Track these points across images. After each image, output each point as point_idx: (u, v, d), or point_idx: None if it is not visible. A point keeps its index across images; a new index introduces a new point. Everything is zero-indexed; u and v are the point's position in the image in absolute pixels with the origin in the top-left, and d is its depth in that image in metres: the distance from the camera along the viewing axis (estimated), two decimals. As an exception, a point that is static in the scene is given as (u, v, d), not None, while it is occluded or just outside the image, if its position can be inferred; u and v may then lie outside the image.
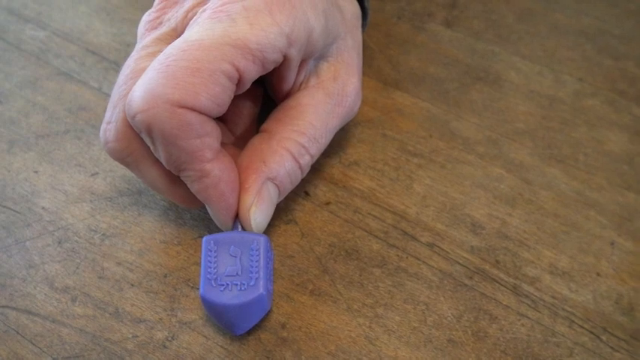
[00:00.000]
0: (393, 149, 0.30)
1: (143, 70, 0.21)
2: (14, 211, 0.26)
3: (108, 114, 0.22)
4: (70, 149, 0.28)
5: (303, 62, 0.24)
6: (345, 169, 0.29)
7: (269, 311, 0.23)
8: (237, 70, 0.21)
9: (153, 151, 0.21)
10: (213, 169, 0.21)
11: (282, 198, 0.25)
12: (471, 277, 0.25)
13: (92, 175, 0.27)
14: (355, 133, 0.30)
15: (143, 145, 0.22)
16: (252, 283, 0.21)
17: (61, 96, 0.31)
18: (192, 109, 0.20)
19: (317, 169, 0.28)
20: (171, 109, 0.20)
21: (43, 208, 0.26)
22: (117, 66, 0.32)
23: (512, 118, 0.32)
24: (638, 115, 0.32)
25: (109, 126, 0.22)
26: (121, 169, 0.28)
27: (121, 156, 0.23)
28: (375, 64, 0.34)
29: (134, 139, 0.22)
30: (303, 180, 0.26)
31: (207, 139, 0.21)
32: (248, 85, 0.22)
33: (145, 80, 0.20)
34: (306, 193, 0.27)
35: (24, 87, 0.31)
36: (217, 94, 0.20)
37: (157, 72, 0.20)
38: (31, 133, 0.29)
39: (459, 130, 0.31)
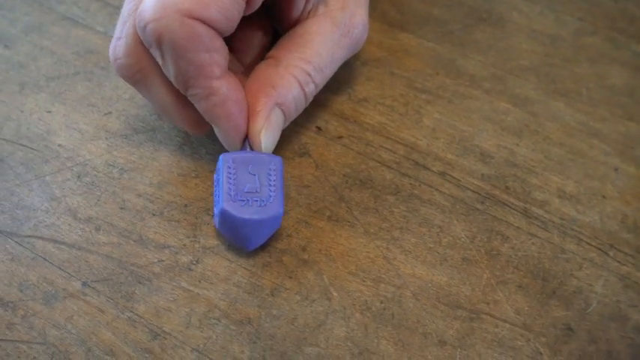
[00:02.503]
0: (401, 86, 0.30)
1: None
2: (31, 148, 0.26)
3: (118, 30, 0.23)
4: (81, 90, 0.29)
5: None
6: (355, 105, 0.29)
7: (289, 235, 0.24)
8: None
9: (162, 66, 0.22)
10: (221, 86, 0.22)
11: (286, 125, 0.25)
12: (482, 202, 0.26)
13: (105, 114, 0.28)
14: (363, 71, 0.31)
15: (153, 61, 0.22)
16: (270, 200, 0.22)
17: (68, 40, 0.31)
18: (202, 21, 0.20)
19: (327, 105, 0.29)
20: (182, 19, 0.20)
21: (59, 145, 0.26)
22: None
23: (516, 55, 0.32)
24: (638, 52, 0.33)
25: (119, 42, 0.22)
26: (134, 108, 0.28)
27: (130, 72, 0.23)
28: (379, 6, 0.34)
29: (144, 54, 0.22)
30: (314, 115, 0.27)
31: (216, 55, 0.21)
32: (258, 4, 0.22)
33: None
34: (319, 128, 0.28)
35: (29, 32, 0.31)
36: (227, 7, 0.21)
37: None
38: (40, 76, 0.29)
39: (464, 68, 0.31)
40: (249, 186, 0.22)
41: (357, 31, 0.27)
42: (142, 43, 0.22)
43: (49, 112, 0.28)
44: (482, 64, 0.32)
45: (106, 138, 0.27)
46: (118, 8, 0.33)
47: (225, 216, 0.22)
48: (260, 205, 0.22)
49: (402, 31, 0.33)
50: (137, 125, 0.27)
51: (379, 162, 0.27)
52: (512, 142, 0.28)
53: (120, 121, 0.27)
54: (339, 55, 0.26)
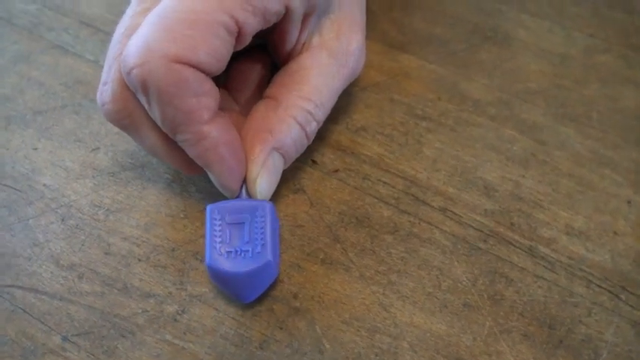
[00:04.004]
0: (401, 113, 0.29)
1: (139, 26, 0.21)
2: (15, 189, 0.25)
3: (104, 75, 0.22)
4: (68, 124, 0.28)
5: (305, 18, 0.23)
6: (352, 135, 0.28)
7: (280, 281, 0.23)
8: (237, 22, 0.20)
9: (148, 111, 0.21)
10: (210, 131, 0.20)
11: (287, 166, 0.24)
12: (485, 241, 0.24)
13: (93, 150, 0.27)
14: (362, 97, 0.29)
15: (141, 106, 0.21)
16: (258, 249, 0.21)
17: (57, 70, 0.30)
18: (190, 65, 0.19)
19: (324, 136, 0.27)
20: (168, 64, 0.19)
21: (44, 185, 0.25)
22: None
23: (523, 77, 0.31)
24: (652, 70, 0.31)
25: (105, 87, 0.21)
26: (123, 143, 0.27)
27: (118, 118, 0.22)
28: (379, 27, 0.33)
29: (131, 100, 0.21)
30: (310, 148, 0.26)
31: (205, 99, 0.20)
32: (248, 40, 0.21)
33: (140, 34, 0.19)
34: (314, 162, 0.27)
35: (17, 62, 0.30)
36: (216, 49, 0.19)
37: (152, 25, 0.19)
38: (27, 110, 0.28)
39: (468, 92, 0.30)
40: (235, 237, 0.21)
41: (354, 59, 0.25)
42: (128, 88, 0.21)
43: (35, 149, 0.27)
44: (487, 87, 0.30)
45: (93, 176, 0.26)
46: (110, 34, 0.32)
47: (212, 271, 0.21)
48: (247, 257, 0.21)
49: (403, 52, 0.32)
50: (125, 162, 0.26)
51: (377, 198, 0.26)
52: (518, 174, 0.27)
53: (107, 157, 0.26)
54: (339, 87, 0.25)
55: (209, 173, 0.22)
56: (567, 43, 0.32)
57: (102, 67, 0.30)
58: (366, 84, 0.30)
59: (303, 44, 0.24)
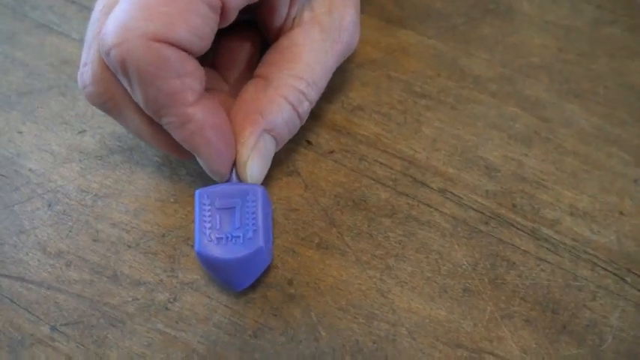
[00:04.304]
0: (399, 91, 0.28)
1: (117, 3, 0.19)
2: (0, 174, 0.24)
3: (84, 56, 0.21)
4: (54, 106, 0.27)
5: None
6: (348, 114, 0.27)
7: (274, 267, 0.22)
8: None
9: (131, 93, 0.20)
10: (195, 113, 0.19)
11: (279, 148, 0.23)
12: (486, 223, 0.24)
13: (79, 132, 0.26)
14: (358, 75, 0.28)
15: (123, 88, 0.20)
16: (249, 235, 0.20)
17: (42, 50, 0.29)
18: (170, 43, 0.18)
19: (319, 115, 0.26)
20: (147, 42, 0.18)
21: (30, 170, 0.25)
22: (99, 15, 0.30)
23: (526, 52, 0.29)
24: (661, 43, 0.30)
25: (85, 68, 0.20)
26: (110, 126, 0.26)
27: (100, 100, 0.21)
28: (376, 1, 0.31)
29: (112, 81, 0.20)
30: (304, 128, 0.25)
31: (188, 79, 0.19)
32: (233, 16, 0.20)
33: (117, 13, 0.18)
34: (308, 142, 0.26)
35: (1, 42, 0.29)
36: (198, 26, 0.18)
37: (129, 3, 0.18)
38: (12, 91, 0.27)
39: (469, 68, 0.29)
40: (226, 222, 0.20)
41: (348, 34, 0.24)
42: (109, 69, 0.20)
43: (20, 132, 0.26)
44: (489, 62, 0.29)
45: (80, 160, 0.25)
46: (96, 12, 0.31)
47: (202, 258, 0.20)
48: (238, 243, 0.20)
49: (401, 27, 0.30)
50: (113, 145, 0.25)
51: (374, 179, 0.25)
52: (521, 153, 0.26)
53: (95, 140, 0.26)
54: (332, 64, 0.24)
55: (197, 157, 0.21)
56: (573, 15, 0.31)
57: (88, 46, 0.29)
58: (362, 60, 0.29)
59: (294, 19, 0.23)
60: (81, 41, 0.29)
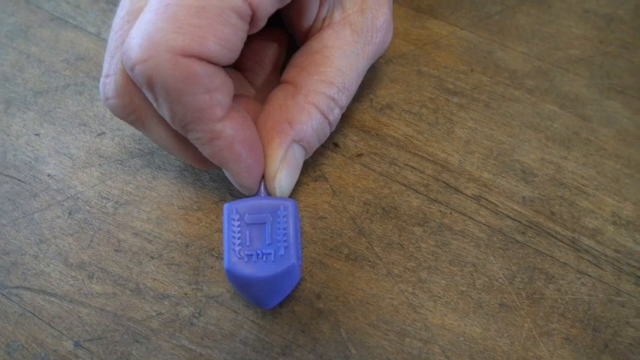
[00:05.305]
0: (430, 88, 0.26)
1: (141, 10, 0.18)
2: (18, 180, 0.24)
3: (105, 66, 0.19)
4: (72, 106, 0.26)
5: None
6: (377, 114, 0.25)
7: (302, 280, 0.21)
8: (250, 4, 0.17)
9: (156, 108, 0.19)
10: (225, 128, 0.18)
11: (308, 156, 0.22)
12: (523, 233, 0.22)
13: (98, 135, 0.25)
14: (387, 71, 0.27)
15: (148, 101, 0.19)
16: (281, 252, 0.19)
17: (57, 45, 0.28)
18: (200, 58, 0.17)
19: (346, 115, 0.25)
20: (175, 58, 0.17)
21: (48, 175, 0.24)
22: (115, 7, 0.29)
23: (565, 43, 0.28)
24: None
25: (108, 80, 0.19)
26: (130, 128, 0.25)
27: (124, 113, 0.20)
28: (404, -13, 0.30)
29: (137, 94, 0.19)
30: (331, 130, 0.24)
31: (217, 94, 0.18)
32: (263, 23, 0.18)
33: (142, 24, 0.17)
34: (336, 145, 0.25)
35: (15, 37, 0.28)
36: (227, 37, 0.17)
37: (155, 13, 0.17)
38: (28, 90, 0.26)
39: (504, 62, 0.27)
40: (256, 238, 0.19)
41: (381, 35, 0.23)
42: (133, 82, 0.19)
43: (37, 134, 0.25)
44: (525, 55, 0.27)
45: (100, 164, 0.24)
46: (112, 3, 0.30)
47: (231, 276, 0.19)
48: (269, 260, 0.19)
49: (432, 17, 0.29)
50: (133, 148, 0.25)
51: (404, 185, 0.24)
52: (559, 155, 0.24)
53: (114, 143, 0.25)
54: (364, 67, 0.22)
55: (225, 171, 0.20)
56: (615, 3, 0.29)
57: (104, 40, 0.28)
58: (390, 55, 0.27)
59: (324, 20, 0.21)
60: (97, 35, 0.28)
